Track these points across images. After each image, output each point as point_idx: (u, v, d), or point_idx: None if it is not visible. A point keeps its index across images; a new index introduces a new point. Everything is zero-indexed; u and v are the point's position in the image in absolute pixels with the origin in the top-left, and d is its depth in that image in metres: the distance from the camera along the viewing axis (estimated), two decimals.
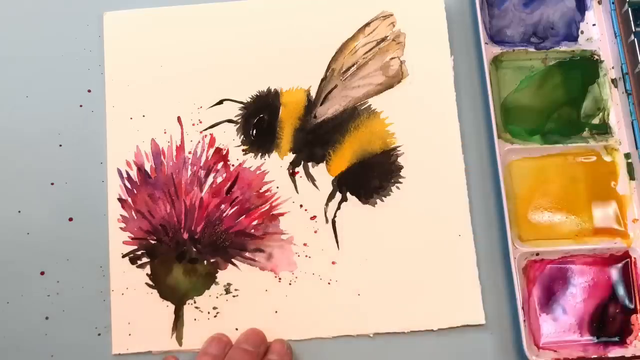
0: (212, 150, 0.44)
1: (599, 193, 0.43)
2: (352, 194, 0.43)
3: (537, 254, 0.42)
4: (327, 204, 0.43)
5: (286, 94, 0.45)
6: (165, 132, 0.44)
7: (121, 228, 0.42)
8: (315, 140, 0.44)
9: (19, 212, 0.43)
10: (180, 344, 0.40)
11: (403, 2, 0.46)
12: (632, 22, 0.44)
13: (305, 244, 0.42)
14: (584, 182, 0.43)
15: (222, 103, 0.45)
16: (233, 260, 0.42)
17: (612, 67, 0.45)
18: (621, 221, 0.42)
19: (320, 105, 0.45)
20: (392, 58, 0.45)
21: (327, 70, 0.45)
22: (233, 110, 0.44)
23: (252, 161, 0.44)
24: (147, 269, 0.42)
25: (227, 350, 0.39)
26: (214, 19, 0.46)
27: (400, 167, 0.43)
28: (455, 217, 0.42)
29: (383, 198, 0.43)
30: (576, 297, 0.41)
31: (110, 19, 0.46)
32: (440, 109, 0.44)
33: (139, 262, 0.42)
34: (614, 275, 0.42)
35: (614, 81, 0.45)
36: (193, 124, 0.44)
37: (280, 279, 0.41)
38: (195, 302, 0.41)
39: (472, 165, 0.43)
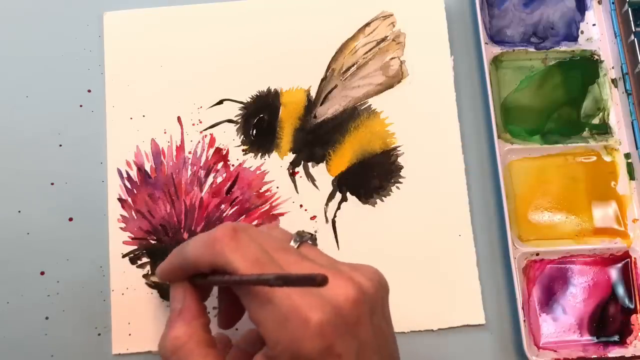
0: (212, 150, 0.44)
1: (599, 193, 0.43)
2: (352, 194, 0.43)
3: (537, 254, 0.42)
4: (327, 204, 0.43)
5: (286, 94, 0.45)
6: (165, 132, 0.44)
7: (121, 228, 0.42)
8: (315, 140, 0.44)
9: (19, 212, 0.43)
10: None
11: (403, 2, 0.46)
12: (632, 22, 0.44)
13: None
14: (584, 182, 0.43)
15: (222, 103, 0.45)
16: None
17: (612, 67, 0.45)
18: (621, 221, 0.42)
19: (320, 105, 0.45)
20: (392, 58, 0.45)
21: (327, 70, 0.45)
22: (233, 110, 0.44)
23: (252, 161, 0.44)
24: (147, 269, 0.42)
25: (227, 351, 0.39)
26: (214, 19, 0.46)
27: (400, 167, 0.43)
28: (455, 217, 0.42)
29: (383, 198, 0.43)
30: (576, 297, 0.41)
31: (110, 19, 0.46)
32: (440, 109, 0.44)
33: (139, 262, 0.42)
34: (614, 275, 0.42)
35: (614, 81, 0.45)
36: (193, 124, 0.44)
37: None
38: None
39: (472, 165, 0.44)
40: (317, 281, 0.25)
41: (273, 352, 0.28)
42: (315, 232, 0.42)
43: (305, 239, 0.31)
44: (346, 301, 0.28)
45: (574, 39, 0.46)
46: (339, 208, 0.43)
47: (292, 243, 0.31)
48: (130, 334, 0.41)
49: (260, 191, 0.43)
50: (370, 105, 0.45)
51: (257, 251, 0.29)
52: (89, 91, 0.45)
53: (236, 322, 0.35)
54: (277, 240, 0.31)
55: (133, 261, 0.42)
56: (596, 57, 0.46)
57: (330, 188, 0.43)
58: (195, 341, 0.30)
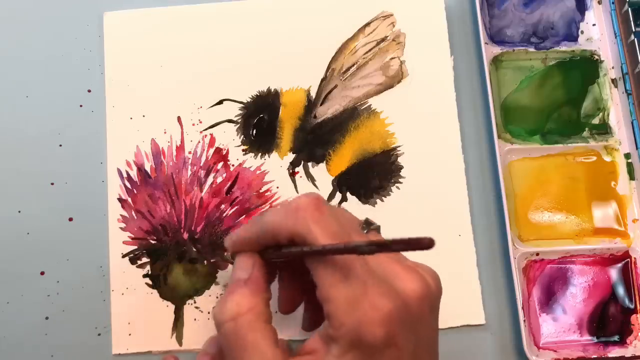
0: (212, 150, 0.44)
1: (599, 193, 0.43)
2: (352, 194, 0.43)
3: (537, 254, 0.42)
4: None
5: (286, 94, 0.45)
6: (165, 132, 0.44)
7: (121, 228, 0.42)
8: (315, 140, 0.44)
9: (19, 212, 0.43)
10: (180, 344, 0.40)
11: (403, 2, 0.46)
12: (632, 22, 0.44)
13: None
14: (584, 182, 0.43)
15: (222, 103, 0.45)
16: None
17: (612, 67, 0.45)
18: (621, 221, 0.42)
19: (320, 105, 0.45)
20: (392, 58, 0.45)
21: (327, 70, 0.45)
22: (233, 110, 0.44)
23: (252, 161, 0.44)
24: (147, 269, 0.42)
25: None
26: (214, 19, 0.46)
27: (400, 167, 0.43)
28: (455, 217, 0.42)
29: (383, 198, 0.43)
30: (576, 297, 0.41)
31: (110, 19, 0.46)
32: (440, 109, 0.44)
33: (139, 262, 0.42)
34: (614, 275, 0.42)
35: (614, 81, 0.45)
36: (193, 124, 0.44)
37: None
38: (195, 302, 0.41)
39: (472, 165, 0.43)
40: (424, 244, 0.23)
41: (335, 333, 0.27)
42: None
43: (374, 227, 0.31)
44: (414, 294, 0.28)
45: (574, 39, 0.46)
46: None
47: (360, 228, 0.31)
48: (130, 334, 0.41)
49: (260, 191, 0.43)
50: (370, 105, 0.45)
51: (337, 226, 0.28)
52: (89, 91, 0.45)
53: (297, 306, 0.35)
54: (351, 220, 0.31)
55: (133, 261, 0.42)
56: (596, 57, 0.46)
57: (330, 188, 0.43)
58: (257, 313, 0.29)
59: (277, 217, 0.29)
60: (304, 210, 0.29)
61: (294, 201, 0.29)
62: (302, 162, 0.44)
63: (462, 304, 0.41)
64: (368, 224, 0.31)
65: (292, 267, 0.33)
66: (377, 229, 0.31)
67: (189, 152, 0.44)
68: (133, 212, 0.42)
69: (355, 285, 0.27)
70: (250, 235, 0.31)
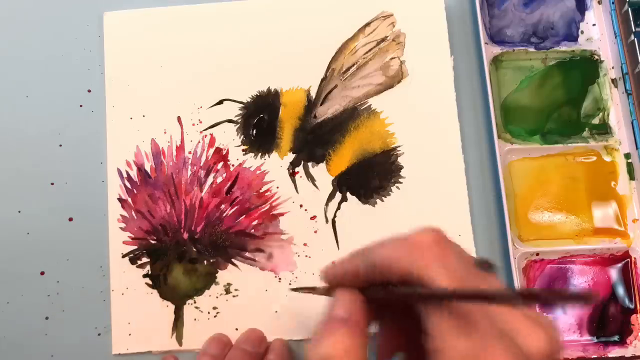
0: (212, 150, 0.44)
1: (599, 193, 0.43)
2: (352, 194, 0.43)
3: (537, 254, 0.42)
4: (327, 204, 0.43)
5: (286, 94, 0.45)
6: (165, 132, 0.44)
7: (121, 228, 0.42)
8: (315, 140, 0.44)
9: (19, 212, 0.43)
10: (180, 344, 0.40)
11: (403, 2, 0.46)
12: (632, 22, 0.44)
13: (305, 244, 0.42)
14: (584, 182, 0.43)
15: (222, 103, 0.45)
16: (233, 260, 0.42)
17: (612, 67, 0.45)
18: (621, 221, 0.42)
19: (320, 105, 0.45)
20: (392, 58, 0.45)
21: (327, 70, 0.45)
22: (233, 110, 0.44)
23: (252, 161, 0.44)
24: (147, 269, 0.42)
25: (227, 351, 0.39)
26: (214, 19, 0.46)
27: (400, 167, 0.43)
28: (455, 217, 0.42)
29: (383, 198, 0.43)
30: None
31: (110, 19, 0.46)
32: (440, 109, 0.44)
33: (139, 262, 0.42)
34: (614, 275, 0.42)
35: (614, 81, 0.45)
36: (193, 124, 0.44)
37: (280, 279, 0.41)
38: (195, 302, 0.41)
39: (472, 165, 0.43)
40: (585, 298, 0.20)
41: None
42: (315, 232, 0.42)
43: (493, 267, 0.27)
44: (538, 354, 0.24)
45: (574, 39, 0.46)
46: (339, 208, 0.43)
47: (475, 268, 0.27)
48: (130, 334, 0.41)
49: (260, 191, 0.43)
50: (370, 105, 0.45)
51: (461, 268, 0.25)
52: (89, 91, 0.45)
53: (395, 354, 0.31)
54: (467, 260, 0.27)
55: (133, 261, 0.42)
56: (596, 57, 0.46)
57: (330, 188, 0.43)
58: (353, 358, 0.26)
59: (391, 252, 0.26)
60: (427, 247, 0.26)
61: (412, 235, 0.26)
62: (302, 162, 0.44)
63: None
64: (489, 265, 0.27)
65: (396, 310, 0.30)
66: (497, 270, 0.28)
67: (189, 152, 0.44)
68: (133, 212, 0.42)
69: (476, 338, 0.24)
70: (355, 268, 0.28)
